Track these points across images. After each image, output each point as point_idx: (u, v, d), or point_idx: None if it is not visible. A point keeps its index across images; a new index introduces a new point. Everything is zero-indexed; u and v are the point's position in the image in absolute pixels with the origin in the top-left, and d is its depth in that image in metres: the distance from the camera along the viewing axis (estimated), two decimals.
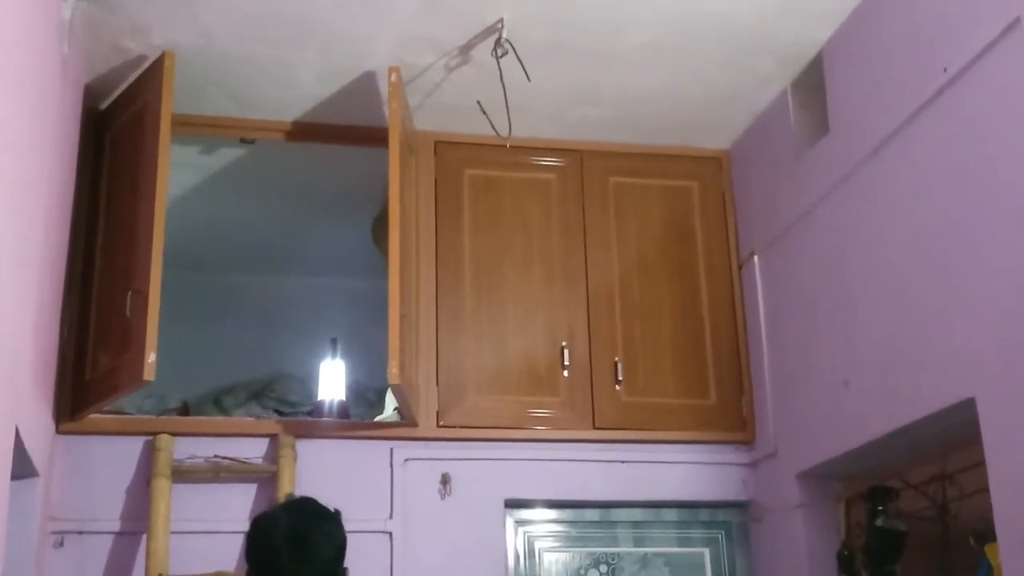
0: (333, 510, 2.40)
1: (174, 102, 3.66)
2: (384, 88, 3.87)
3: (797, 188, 3.94)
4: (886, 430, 3.34)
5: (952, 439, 3.29)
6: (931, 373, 3.13)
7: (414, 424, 3.94)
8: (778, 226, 4.06)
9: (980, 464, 2.95)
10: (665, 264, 4.33)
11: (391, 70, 3.76)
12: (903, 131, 3.32)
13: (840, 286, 3.65)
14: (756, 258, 4.22)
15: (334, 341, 4.87)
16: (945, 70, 3.11)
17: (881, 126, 3.42)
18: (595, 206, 4.33)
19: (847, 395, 3.56)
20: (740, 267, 4.35)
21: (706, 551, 4.14)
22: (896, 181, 3.36)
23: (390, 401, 4.29)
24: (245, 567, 2.45)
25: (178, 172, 4.14)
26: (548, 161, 4.35)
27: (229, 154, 4.51)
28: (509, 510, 4.01)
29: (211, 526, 3.71)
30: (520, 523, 4.04)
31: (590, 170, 4.37)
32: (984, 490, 2.92)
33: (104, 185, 3.89)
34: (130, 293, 3.49)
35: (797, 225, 3.93)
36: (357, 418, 4.56)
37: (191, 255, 4.85)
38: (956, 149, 3.08)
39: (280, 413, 4.78)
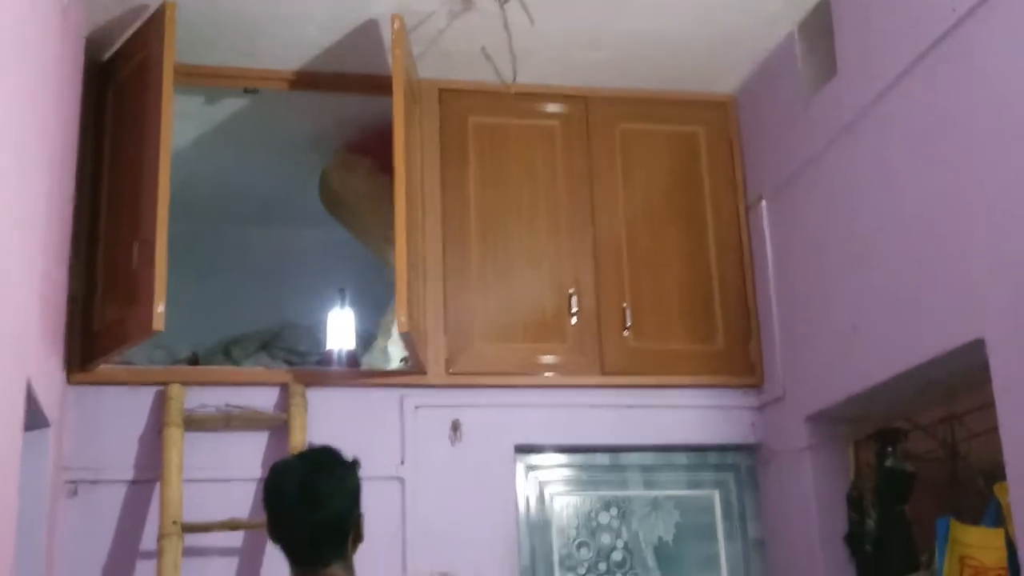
0: (351, 459, 2.40)
1: (176, 52, 3.64)
2: (387, 36, 3.84)
3: (805, 131, 3.91)
4: (895, 372, 3.34)
5: (961, 380, 3.29)
6: (940, 314, 3.13)
7: (423, 372, 3.95)
8: (786, 170, 4.04)
9: (989, 405, 2.96)
10: (672, 209, 4.32)
11: (394, 17, 3.73)
12: (912, 71, 3.29)
13: (849, 229, 3.64)
14: (764, 203, 4.20)
15: (342, 291, 4.88)
16: (954, 9, 3.08)
17: (890, 67, 3.39)
18: (601, 152, 4.31)
19: (855, 338, 3.56)
20: (748, 212, 4.33)
21: (715, 493, 4.16)
22: (905, 122, 3.34)
23: (395, 350, 4.30)
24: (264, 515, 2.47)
25: (181, 123, 4.12)
26: (553, 107, 4.33)
27: (232, 104, 4.49)
28: (519, 455, 4.03)
29: (223, 474, 3.74)
30: (530, 468, 4.06)
31: (595, 116, 4.34)
32: (993, 430, 2.93)
33: (108, 137, 3.87)
34: (136, 243, 3.49)
35: (805, 169, 3.91)
36: (366, 367, 4.57)
37: (196, 207, 4.83)
38: (966, 89, 3.06)
39: (289, 363, 4.79)
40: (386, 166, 4.49)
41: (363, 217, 4.73)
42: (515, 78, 3.92)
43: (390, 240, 4.45)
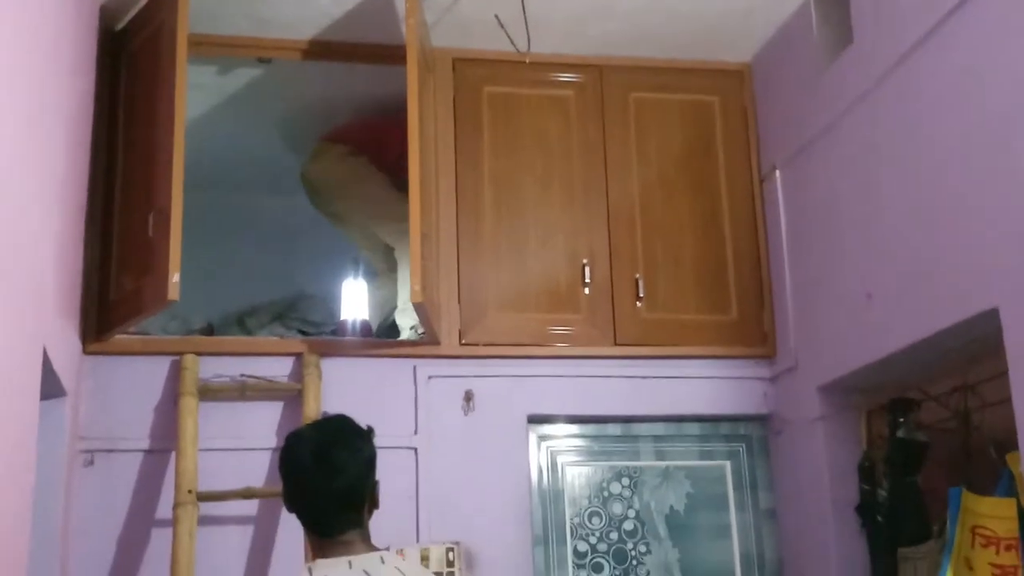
0: (366, 428, 2.42)
1: (189, 22, 3.63)
2: (401, 5, 3.83)
3: (820, 101, 3.89)
4: (908, 342, 3.34)
5: (974, 350, 3.28)
6: (954, 284, 3.12)
7: (436, 342, 3.96)
8: (801, 140, 4.02)
9: (1002, 374, 2.96)
10: (686, 179, 4.31)
11: None
12: (929, 39, 3.26)
13: (864, 198, 3.63)
14: (778, 172, 4.19)
15: (356, 261, 4.88)
16: None
17: (907, 34, 3.36)
18: (615, 122, 4.30)
19: (869, 308, 3.55)
20: (762, 182, 4.32)
21: (727, 464, 4.18)
22: (922, 91, 3.32)
23: (404, 321, 4.30)
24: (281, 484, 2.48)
25: (194, 93, 4.11)
26: (567, 77, 4.31)
27: (246, 74, 4.48)
28: (532, 426, 4.04)
29: (238, 443, 3.76)
30: (543, 438, 4.08)
31: (610, 85, 4.33)
32: (1006, 400, 2.93)
33: (122, 106, 3.88)
34: (152, 213, 3.50)
35: (820, 138, 3.89)
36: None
37: (210, 177, 4.84)
38: (983, 57, 3.03)
39: (304, 333, 4.79)
40: (363, 151, 4.53)
41: (335, 203, 4.73)
42: (529, 47, 3.90)
43: (377, 218, 4.48)
